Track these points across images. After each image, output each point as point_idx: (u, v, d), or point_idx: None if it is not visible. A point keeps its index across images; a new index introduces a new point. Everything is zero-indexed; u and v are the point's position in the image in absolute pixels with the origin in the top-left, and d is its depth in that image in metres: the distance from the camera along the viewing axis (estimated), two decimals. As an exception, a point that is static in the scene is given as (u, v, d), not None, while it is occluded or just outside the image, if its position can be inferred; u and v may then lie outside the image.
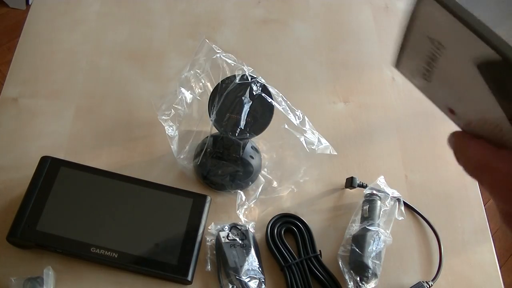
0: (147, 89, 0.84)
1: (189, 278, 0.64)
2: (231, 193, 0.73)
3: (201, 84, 0.70)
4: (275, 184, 0.74)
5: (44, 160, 0.69)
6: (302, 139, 0.68)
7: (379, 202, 0.71)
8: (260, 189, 0.73)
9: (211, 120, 0.67)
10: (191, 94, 0.70)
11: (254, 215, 0.72)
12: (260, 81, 0.66)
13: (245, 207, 0.71)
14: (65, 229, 0.64)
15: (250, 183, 0.74)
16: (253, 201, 0.72)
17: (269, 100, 0.66)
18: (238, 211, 0.70)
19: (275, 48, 0.93)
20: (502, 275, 0.72)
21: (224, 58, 0.67)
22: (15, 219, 0.64)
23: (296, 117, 0.68)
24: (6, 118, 0.78)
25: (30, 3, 2.04)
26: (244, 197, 0.71)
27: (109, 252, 0.63)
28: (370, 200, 0.71)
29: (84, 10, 0.92)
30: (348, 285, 0.66)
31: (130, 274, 0.65)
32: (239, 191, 0.71)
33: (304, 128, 0.68)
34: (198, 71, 0.69)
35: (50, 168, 0.68)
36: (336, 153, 0.70)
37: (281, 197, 0.74)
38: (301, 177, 0.75)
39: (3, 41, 1.94)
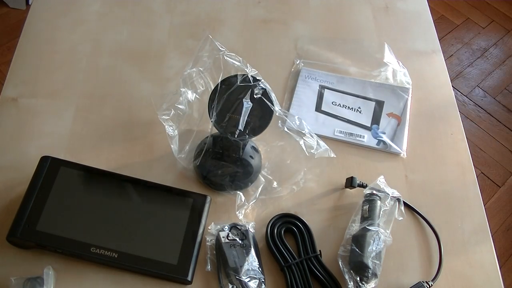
0: (147, 89, 0.84)
1: (189, 278, 0.64)
2: (231, 193, 0.73)
3: (202, 82, 0.70)
4: (275, 184, 0.74)
5: (44, 160, 0.69)
6: (301, 142, 0.69)
7: (379, 202, 0.71)
8: (260, 190, 0.73)
9: (212, 121, 0.67)
10: (193, 93, 0.70)
11: (254, 215, 0.72)
12: (261, 85, 0.66)
13: (244, 207, 0.71)
14: (65, 229, 0.64)
15: (250, 183, 0.74)
16: (253, 202, 0.72)
17: (269, 105, 0.66)
18: (237, 212, 0.70)
19: (275, 48, 0.93)
20: (502, 275, 0.72)
21: (228, 58, 0.67)
22: (15, 219, 0.64)
23: (294, 122, 0.68)
24: (6, 118, 0.78)
25: (30, 3, 2.04)
26: (243, 198, 0.71)
27: (109, 252, 0.63)
28: (370, 200, 0.71)
29: (84, 10, 0.92)
30: (348, 285, 0.66)
31: (130, 274, 0.65)
32: (238, 192, 0.71)
33: (303, 132, 0.68)
34: (201, 69, 0.69)
35: (50, 168, 0.68)
36: (335, 156, 0.70)
37: (281, 197, 0.74)
38: (301, 178, 0.75)
39: (3, 41, 1.94)
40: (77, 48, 0.87)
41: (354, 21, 0.99)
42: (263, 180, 0.75)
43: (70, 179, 0.68)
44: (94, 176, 0.69)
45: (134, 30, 0.91)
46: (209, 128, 0.72)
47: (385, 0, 1.03)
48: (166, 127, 0.70)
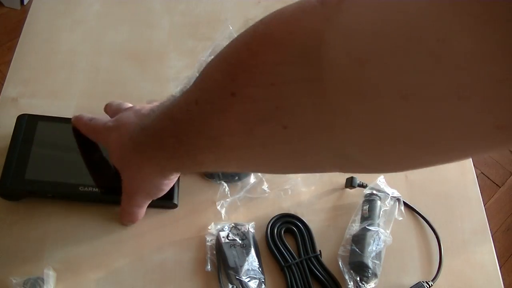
0: (147, 89, 0.84)
1: (175, 201, 0.67)
2: (217, 183, 0.72)
3: None
4: (265, 185, 0.74)
5: (22, 117, 0.71)
6: None
7: (379, 202, 0.71)
8: (248, 187, 0.72)
9: None
10: None
11: (238, 212, 0.72)
12: None
13: (227, 200, 0.71)
14: (52, 174, 0.67)
15: (237, 178, 0.73)
16: (237, 197, 0.72)
17: None
18: (217, 202, 0.70)
19: (275, 48, 0.93)
20: (502, 275, 0.72)
21: None
22: (2, 172, 0.66)
23: None
24: (6, 118, 0.78)
25: (24, 3, 2.04)
26: (228, 190, 0.71)
27: (96, 189, 0.66)
28: (370, 200, 0.72)
29: (84, 10, 0.92)
30: (348, 285, 0.66)
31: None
32: (223, 182, 0.71)
33: None
34: None
35: (28, 124, 0.70)
36: None
37: (281, 197, 0.74)
38: (293, 186, 0.74)
39: (3, 41, 1.94)
40: (77, 48, 0.87)
41: (354, 21, 0.99)
42: (254, 178, 0.74)
43: (49, 130, 0.71)
44: (70, 124, 0.71)
45: (134, 30, 0.91)
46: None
47: (385, 0, 1.03)
48: None
